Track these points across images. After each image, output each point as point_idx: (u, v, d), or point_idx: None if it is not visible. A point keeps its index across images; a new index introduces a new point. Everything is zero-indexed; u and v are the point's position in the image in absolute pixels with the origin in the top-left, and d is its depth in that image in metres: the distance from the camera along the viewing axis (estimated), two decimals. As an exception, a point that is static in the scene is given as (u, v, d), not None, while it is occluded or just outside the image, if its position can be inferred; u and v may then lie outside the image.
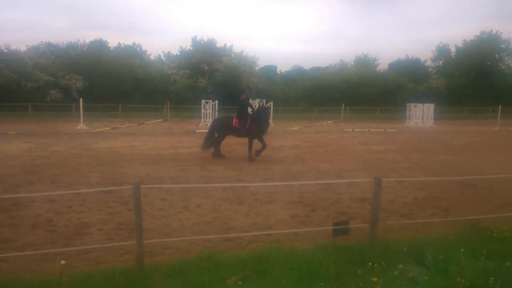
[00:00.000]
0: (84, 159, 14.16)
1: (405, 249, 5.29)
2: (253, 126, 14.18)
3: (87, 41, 54.55)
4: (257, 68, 56.60)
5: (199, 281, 4.51)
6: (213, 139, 14.67)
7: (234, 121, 14.43)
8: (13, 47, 46.95)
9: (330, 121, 31.60)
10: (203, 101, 32.23)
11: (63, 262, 4.31)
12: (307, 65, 68.77)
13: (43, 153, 15.39)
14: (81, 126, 26.76)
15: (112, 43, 61.75)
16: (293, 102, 51.71)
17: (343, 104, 34.77)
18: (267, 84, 54.21)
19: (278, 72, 66.40)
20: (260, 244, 6.13)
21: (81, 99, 27.94)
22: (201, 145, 14.81)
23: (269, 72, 61.30)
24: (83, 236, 6.65)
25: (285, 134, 25.51)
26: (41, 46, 50.28)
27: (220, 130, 14.65)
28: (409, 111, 37.20)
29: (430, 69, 65.55)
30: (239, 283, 4.43)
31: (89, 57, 48.49)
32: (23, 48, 49.47)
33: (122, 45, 57.74)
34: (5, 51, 45.37)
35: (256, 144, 14.53)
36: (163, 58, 61.00)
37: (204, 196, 9.10)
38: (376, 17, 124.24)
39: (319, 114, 46.34)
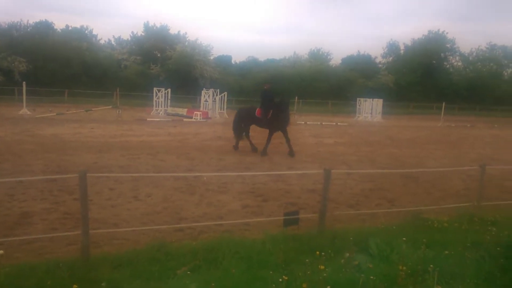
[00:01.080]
0: (28, 145, 13.46)
1: (351, 238, 5.48)
2: (274, 118, 13.69)
3: (31, 21, 51.71)
4: (211, 57, 56.05)
5: (148, 271, 4.45)
6: (239, 128, 14.52)
7: (257, 111, 14.13)
8: None
9: (284, 113, 31.92)
10: (155, 89, 31.57)
11: (1, 252, 4.10)
12: (262, 56, 68.91)
13: (-18, 139, 14.49)
14: (24, 111, 25.44)
15: (59, 25, 59.05)
16: (247, 93, 51.70)
17: (296, 97, 35.26)
18: (221, 74, 53.89)
19: (233, 63, 66.07)
20: (211, 234, 6.12)
21: (24, 83, 26.56)
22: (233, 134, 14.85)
23: (224, 62, 60.90)
24: (26, 226, 6.36)
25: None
26: (-20, 25, 46.99)
27: (244, 119, 14.46)
28: (359, 105, 38.35)
29: (380, 65, 67.65)
30: (188, 273, 4.40)
31: (33, 39, 45.92)
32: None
33: (70, 28, 55.14)
34: None
35: (279, 137, 14.37)
36: (113, 42, 58.93)
37: (154, 185, 8.94)
38: (332, 11, 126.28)
39: (272, 105, 46.66)
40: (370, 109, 37.44)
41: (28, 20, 51.46)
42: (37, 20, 52.42)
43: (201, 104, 32.18)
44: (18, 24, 49.82)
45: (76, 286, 3.70)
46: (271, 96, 14.05)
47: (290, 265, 4.70)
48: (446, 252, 4.96)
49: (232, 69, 61.43)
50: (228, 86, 43.16)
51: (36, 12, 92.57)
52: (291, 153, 13.58)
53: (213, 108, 31.63)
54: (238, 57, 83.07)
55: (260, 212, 7.57)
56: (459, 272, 4.46)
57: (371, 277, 4.19)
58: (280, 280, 4.10)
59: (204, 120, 27.83)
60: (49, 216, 6.83)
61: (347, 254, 4.95)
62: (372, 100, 37.46)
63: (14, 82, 40.10)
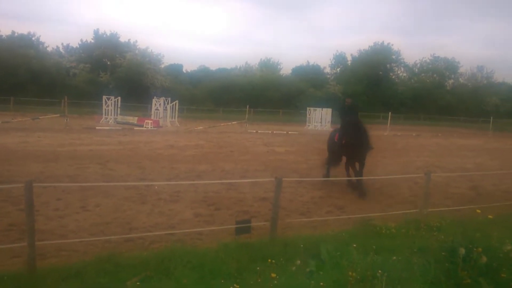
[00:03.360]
0: (-33, 155, 12.71)
1: (302, 245, 5.61)
2: (350, 143, 10.07)
3: (-27, 27, 48.86)
4: (162, 66, 55.66)
5: (97, 283, 4.37)
6: (330, 157, 11.48)
7: (336, 135, 11.05)
8: None
9: (235, 122, 32.05)
10: (104, 97, 30.75)
11: None
12: (213, 65, 68.87)
13: None
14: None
15: (5, 31, 56.13)
16: (198, 102, 51.55)
17: (248, 106, 35.52)
18: (172, 83, 53.51)
19: (184, 71, 65.87)
20: (163, 244, 6.08)
21: (-35, 89, 25.03)
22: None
23: (175, 70, 60.56)
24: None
25: (190, 134, 25.36)
26: None
27: (330, 146, 11.47)
28: (309, 114, 39.20)
29: (328, 76, 69.68)
30: (138, 283, 4.36)
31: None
32: None
33: (16, 34, 52.63)
34: None
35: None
36: (61, 50, 56.85)
37: (104, 195, 8.73)
38: (283, 22, 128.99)
39: (224, 114, 46.73)
40: (320, 118, 38.39)
41: (-30, 25, 48.57)
42: (-19, 26, 49.62)
43: (152, 113, 31.68)
44: (-40, 29, 46.94)
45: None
46: (355, 114, 10.76)
47: (242, 274, 4.76)
48: (394, 257, 5.12)
49: (184, 77, 61.18)
50: (179, 95, 42.78)
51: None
52: (362, 194, 10.00)
53: (164, 116, 31.25)
54: (189, 66, 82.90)
55: (212, 221, 7.59)
56: (407, 276, 4.61)
57: (321, 283, 4.32)
58: (232, 288, 4.16)
59: (155, 128, 27.41)
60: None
61: (299, 261, 5.05)
62: (322, 110, 38.45)
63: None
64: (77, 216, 7.35)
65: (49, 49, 55.68)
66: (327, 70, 71.41)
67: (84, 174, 10.95)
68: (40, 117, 24.94)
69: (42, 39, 55.22)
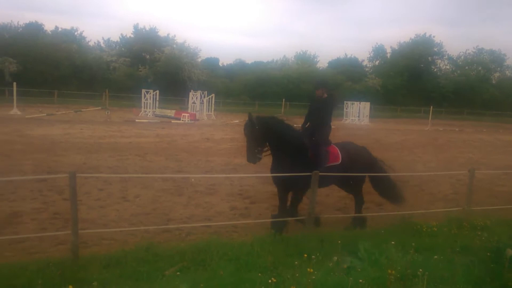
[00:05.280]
0: (18, 145, 13.34)
1: (339, 242, 5.51)
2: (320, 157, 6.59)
3: (22, 23, 51.21)
4: (199, 59, 56.21)
5: (137, 272, 4.46)
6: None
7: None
8: None
9: (272, 116, 31.92)
10: (143, 91, 31.44)
11: None
12: (249, 59, 68.90)
13: (-28, 138, 14.33)
14: (14, 111, 25.18)
15: (49, 26, 58.36)
16: (234, 95, 51.77)
17: (284, 99, 35.37)
18: (209, 76, 53.99)
19: (220, 65, 66.25)
20: (199, 236, 6.15)
21: (14, 83, 26.35)
22: None
23: (211, 64, 61.03)
24: (15, 225, 6.38)
25: (226, 127, 25.54)
26: (-30, 27, 46.44)
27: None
28: (346, 108, 38.63)
29: (366, 69, 68.20)
30: (178, 273, 4.43)
31: (24, 40, 45.68)
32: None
33: (60, 29, 54.63)
34: None
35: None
36: (102, 44, 58.46)
37: (143, 186, 8.94)
38: (321, 14, 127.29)
39: (260, 108, 46.70)
40: (357, 112, 37.73)
41: (18, 22, 51.03)
42: (27, 22, 52.05)
43: (189, 106, 32.12)
44: (9, 25, 49.44)
45: (71, 286, 3.71)
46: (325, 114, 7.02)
47: (278, 268, 4.74)
48: (436, 256, 4.97)
49: (220, 71, 61.55)
50: (215, 88, 43.19)
51: (26, 12, 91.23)
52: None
53: (200, 110, 31.62)
54: (225, 60, 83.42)
55: (247, 214, 7.62)
56: (448, 276, 4.48)
57: (360, 280, 4.24)
58: (270, 281, 4.14)
59: (192, 122, 27.79)
60: (39, 215, 6.84)
61: (335, 258, 4.97)
62: (359, 103, 37.78)
63: (4, 83, 39.73)
64: (118, 206, 7.56)
65: (90, 43, 57.56)
66: (365, 63, 69.92)
67: (124, 166, 11.24)
68: (82, 110, 25.85)
69: (84, 34, 57.12)
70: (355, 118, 37.54)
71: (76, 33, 55.68)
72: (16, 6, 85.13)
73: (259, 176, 10.35)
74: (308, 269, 4.45)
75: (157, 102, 31.90)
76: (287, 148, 6.32)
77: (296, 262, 4.61)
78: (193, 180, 9.68)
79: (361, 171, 6.83)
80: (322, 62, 70.11)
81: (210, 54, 68.05)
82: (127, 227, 6.43)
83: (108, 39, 59.06)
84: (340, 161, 6.68)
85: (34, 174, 9.55)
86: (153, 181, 9.41)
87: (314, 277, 4.31)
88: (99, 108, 27.45)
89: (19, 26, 50.34)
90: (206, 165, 12.01)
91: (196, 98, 31.60)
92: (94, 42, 58.60)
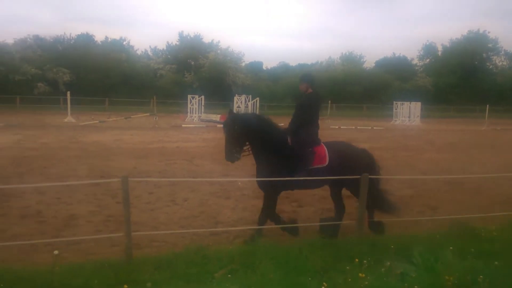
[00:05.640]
0: (72, 151, 14.00)
1: (392, 246, 5.31)
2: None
3: (74, 34, 54.04)
4: (243, 64, 56.86)
5: (187, 274, 4.51)
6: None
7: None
8: (0, 40, 46.20)
9: (318, 118, 31.55)
10: (189, 96, 32.10)
11: (56, 252, 4.29)
12: (293, 61, 68.87)
13: (32, 145, 15.23)
14: (69, 119, 26.46)
15: (99, 36, 61.18)
16: (279, 98, 51.72)
17: (330, 101, 34.91)
18: (253, 80, 54.36)
19: (264, 68, 66.56)
20: (247, 239, 6.12)
21: (68, 92, 27.71)
22: None
23: (255, 68, 61.50)
24: (72, 227, 6.64)
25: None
26: (28, 39, 49.64)
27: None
28: (395, 109, 37.54)
29: (416, 67, 66.04)
30: (229, 276, 4.42)
31: (76, 51, 48.18)
32: (10, 41, 48.63)
33: (109, 40, 57.11)
34: (-7, 43, 44.72)
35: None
36: (149, 53, 60.55)
37: (191, 190, 9.07)
38: (366, 13, 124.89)
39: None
40: (407, 113, 36.57)
41: (70, 33, 53.80)
42: (79, 33, 54.73)
43: (234, 110, 32.29)
44: (62, 37, 52.26)
45: (126, 286, 3.81)
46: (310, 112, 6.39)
47: (328, 272, 4.63)
48: (496, 262, 4.71)
49: (264, 75, 61.80)
50: (259, 92, 43.39)
51: (78, 24, 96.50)
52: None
53: (246, 113, 31.76)
54: (269, 63, 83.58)
55: (295, 218, 7.50)
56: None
57: (415, 287, 4.07)
58: (322, 287, 4.05)
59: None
60: (94, 218, 7.09)
61: (388, 263, 4.81)
62: (410, 103, 36.59)
63: (59, 91, 42.10)
64: (167, 209, 7.71)
65: (138, 52, 59.77)
66: (415, 61, 67.78)
67: (172, 170, 11.47)
68: (131, 116, 26.73)
69: (132, 43, 59.62)
70: (406, 119, 36.39)
71: (124, 43, 58.04)
72: (69, 18, 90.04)
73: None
74: (360, 274, 4.32)
75: (202, 107, 32.46)
76: (268, 148, 6.00)
77: (347, 267, 4.49)
78: (240, 183, 9.71)
79: (353, 174, 6.04)
80: (369, 62, 68.79)
81: (253, 58, 69.05)
82: (176, 229, 6.53)
83: (155, 47, 61.14)
84: (326, 163, 6.12)
85: (88, 178, 9.95)
86: (201, 184, 9.53)
87: (366, 283, 4.17)
88: (147, 114, 28.28)
89: (71, 38, 53.09)
90: (252, 169, 11.96)
91: (241, 102, 31.89)
92: (142, 51, 60.89)
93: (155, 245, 5.86)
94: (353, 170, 6.05)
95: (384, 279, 4.42)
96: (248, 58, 65.19)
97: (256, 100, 32.46)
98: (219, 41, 58.35)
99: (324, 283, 4.10)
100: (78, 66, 45.55)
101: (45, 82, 44.19)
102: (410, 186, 10.17)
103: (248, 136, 5.91)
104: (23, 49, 46.56)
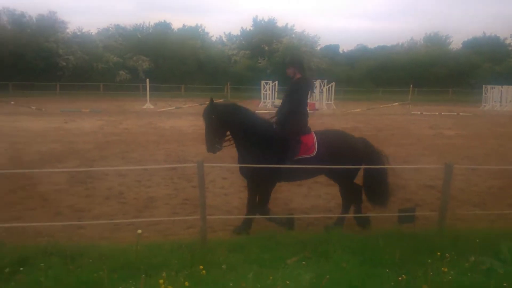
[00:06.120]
0: (151, 136, 14.74)
1: (477, 241, 4.93)
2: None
3: (152, 23, 56.55)
4: (318, 47, 55.85)
5: (260, 258, 4.53)
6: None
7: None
8: (85, 30, 49.83)
9: (396, 103, 30.24)
10: (262, 82, 32.22)
11: (139, 231, 4.50)
12: (372, 44, 66.37)
13: (114, 130, 16.28)
14: (148, 105, 27.85)
15: (176, 24, 63.43)
16: (356, 83, 50.28)
17: (411, 85, 33.24)
18: (329, 64, 53.28)
19: (341, 52, 64.78)
20: (320, 227, 6.05)
21: (147, 80, 29.08)
22: None
23: (331, 51, 60.15)
24: (151, 209, 6.98)
25: (347, 116, 24.90)
26: (110, 28, 52.81)
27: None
28: (485, 93, 34.80)
29: (510, 48, 60.41)
30: (303, 263, 4.37)
31: (154, 39, 50.39)
32: (94, 30, 52.18)
33: (186, 27, 58.99)
34: (78, 33, 48.24)
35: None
36: (224, 39, 61.68)
37: (264, 176, 9.08)
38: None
39: (384, 95, 44.71)
40: (498, 98, 33.68)
41: (149, 22, 56.35)
42: (157, 22, 57.17)
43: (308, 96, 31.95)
44: (141, 26, 54.87)
45: (201, 267, 3.93)
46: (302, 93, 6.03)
47: (406, 265, 4.42)
48: None
49: (340, 58, 60.30)
50: (335, 76, 42.42)
51: (154, 12, 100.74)
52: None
53: (320, 99, 31.30)
54: (346, 46, 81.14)
55: (371, 207, 7.25)
56: None
57: (504, 284, 3.74)
58: (400, 278, 3.86)
59: (311, 111, 27.54)
60: (171, 201, 7.38)
61: (473, 258, 4.48)
62: (502, 87, 33.63)
63: (138, 79, 44.41)
64: (240, 194, 7.79)
65: (213, 38, 61.15)
66: (508, 41, 62.01)
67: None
68: (206, 103, 27.47)
69: (207, 30, 60.91)
70: (496, 104, 33.57)
71: (200, 30, 59.58)
72: (147, 7, 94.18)
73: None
74: (442, 268, 4.05)
75: (276, 93, 32.47)
76: (249, 138, 5.67)
77: (428, 260, 4.23)
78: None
79: (345, 165, 5.66)
80: (456, 43, 64.44)
81: (329, 41, 67.15)
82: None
83: (229, 33, 62.12)
84: (314, 153, 5.72)
85: (166, 163, 10.42)
86: (274, 170, 9.50)
87: (450, 277, 3.91)
88: (222, 100, 28.91)
89: (150, 26, 55.61)
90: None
91: (315, 87, 31.42)
92: (217, 37, 62.23)
93: (228, 229, 5.96)
94: (344, 161, 5.67)
95: (468, 274, 4.15)
96: (324, 41, 63.73)
97: (332, 85, 31.79)
98: (293, 25, 58.03)
99: (402, 275, 3.90)
100: (156, 54, 47.69)
101: (125, 70, 46.88)
102: (500, 177, 9.38)
103: (227, 126, 5.69)
104: (106, 38, 49.79)
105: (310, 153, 5.72)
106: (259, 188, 5.85)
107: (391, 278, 3.93)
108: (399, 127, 19.38)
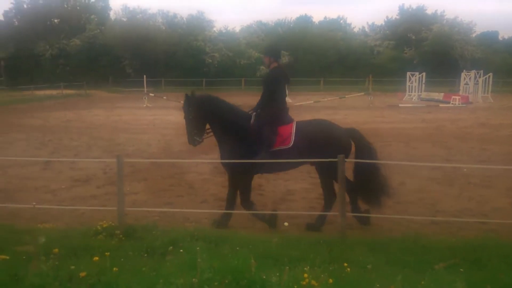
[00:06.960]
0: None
1: None
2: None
3: (293, 17, 57.53)
4: (473, 35, 50.54)
5: (403, 261, 4.35)
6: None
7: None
8: (229, 28, 53.24)
9: None
10: (408, 74, 30.51)
11: (286, 224, 4.70)
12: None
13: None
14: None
15: (318, 17, 63.52)
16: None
17: None
18: (485, 53, 47.80)
19: (500, 39, 57.42)
20: (473, 232, 5.53)
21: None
22: None
23: (489, 39, 53.78)
24: (288, 202, 7.19)
25: (507, 110, 22.13)
26: (253, 25, 55.38)
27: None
28: None
29: None
30: (461, 270, 4.07)
31: (295, 34, 51.28)
32: (237, 28, 55.34)
33: (327, 19, 58.71)
34: (223, 31, 51.78)
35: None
36: (366, 29, 59.64)
37: (407, 174, 8.65)
38: None
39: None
40: None
41: (291, 17, 57.50)
42: (298, 15, 57.96)
43: (461, 88, 29.41)
44: (283, 21, 56.32)
45: (346, 264, 3.94)
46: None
47: None
48: None
49: (499, 46, 53.44)
50: (493, 66, 37.79)
51: (297, 6, 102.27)
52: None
53: (474, 91, 28.41)
54: (507, 32, 71.50)
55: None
56: None
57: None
58: None
59: (464, 105, 25.26)
60: (308, 195, 7.52)
61: None
62: None
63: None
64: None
65: (355, 30, 59.66)
66: None
67: (387, 152, 11.15)
68: (346, 96, 27.06)
69: (348, 21, 59.63)
70: None
71: (341, 21, 58.67)
72: (291, 2, 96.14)
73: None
74: None
75: (423, 85, 30.54)
76: (227, 130, 5.67)
77: None
78: (465, 170, 8.79)
79: (324, 157, 5.35)
80: None
81: (487, 28, 60.09)
82: (391, 214, 6.34)
83: (373, 23, 59.83)
84: (291, 144, 5.55)
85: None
86: (418, 169, 8.97)
87: None
88: (362, 93, 28.16)
89: (291, 21, 56.60)
90: (481, 154, 10.71)
91: (470, 78, 28.62)
92: (359, 28, 60.53)
93: (368, 228, 5.83)
94: (324, 152, 5.41)
95: None
96: (481, 28, 57.01)
97: (489, 76, 28.56)
98: (444, 11, 53.43)
99: None
100: (296, 48, 48.43)
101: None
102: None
103: (205, 118, 5.69)
104: (248, 35, 52.40)
105: (286, 144, 5.63)
106: (239, 179, 5.84)
107: None
108: None
